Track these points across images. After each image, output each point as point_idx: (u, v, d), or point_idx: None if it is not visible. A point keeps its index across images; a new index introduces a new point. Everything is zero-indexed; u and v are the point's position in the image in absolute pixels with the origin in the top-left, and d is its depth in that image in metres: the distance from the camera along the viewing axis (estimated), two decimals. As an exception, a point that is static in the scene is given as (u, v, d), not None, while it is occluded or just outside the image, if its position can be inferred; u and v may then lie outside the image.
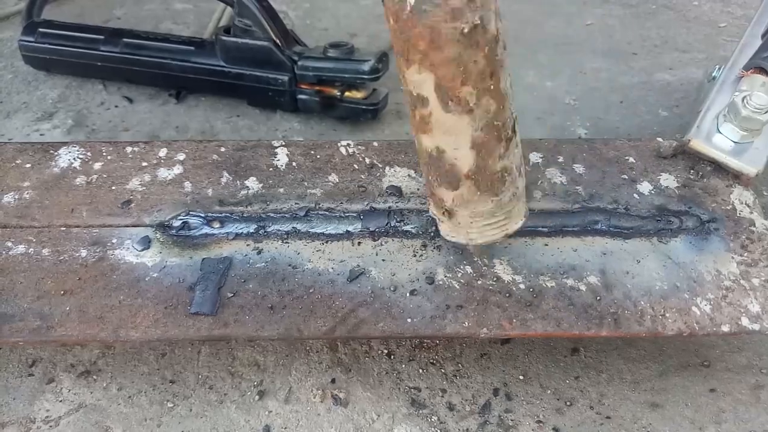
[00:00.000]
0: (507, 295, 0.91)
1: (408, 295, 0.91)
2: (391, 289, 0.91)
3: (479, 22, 0.65)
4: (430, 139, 0.77)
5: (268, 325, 0.88)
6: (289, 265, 0.93)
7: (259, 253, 0.95)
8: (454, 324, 0.88)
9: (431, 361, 1.04)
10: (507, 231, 0.86)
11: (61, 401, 0.98)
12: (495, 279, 0.92)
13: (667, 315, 0.89)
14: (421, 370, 1.03)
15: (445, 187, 0.81)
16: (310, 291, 0.91)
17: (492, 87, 0.71)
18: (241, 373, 1.02)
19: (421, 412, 0.97)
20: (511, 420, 0.97)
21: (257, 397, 0.99)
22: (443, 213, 0.85)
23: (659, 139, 1.08)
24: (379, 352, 1.05)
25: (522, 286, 0.92)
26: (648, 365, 1.04)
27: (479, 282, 0.92)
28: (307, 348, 1.05)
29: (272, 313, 0.89)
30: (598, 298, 0.91)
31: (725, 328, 0.88)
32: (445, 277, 0.93)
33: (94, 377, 1.01)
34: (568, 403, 0.99)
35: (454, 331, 0.88)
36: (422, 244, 0.96)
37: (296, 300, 0.90)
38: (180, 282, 0.91)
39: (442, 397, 0.99)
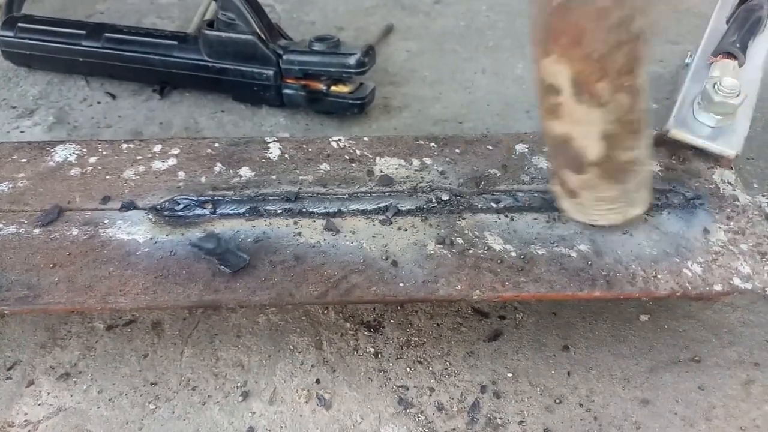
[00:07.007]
0: (499, 261, 0.91)
1: (400, 263, 0.91)
2: (383, 258, 0.92)
3: (625, 21, 0.63)
4: (559, 125, 0.76)
5: (260, 290, 0.88)
6: (281, 239, 0.94)
7: (250, 229, 0.95)
8: (447, 287, 0.88)
9: (419, 359, 1.02)
10: (628, 216, 0.88)
11: (40, 404, 0.96)
12: (486, 248, 0.93)
13: (659, 276, 0.90)
14: (408, 369, 1.01)
15: (570, 171, 0.81)
16: (302, 261, 0.91)
17: (628, 84, 0.70)
18: (224, 374, 1.00)
19: (408, 411, 0.96)
20: (500, 419, 0.95)
21: (241, 398, 0.97)
22: (566, 193, 0.86)
23: None
24: (366, 350, 1.03)
25: (513, 254, 0.92)
26: (638, 361, 1.02)
27: (471, 251, 0.93)
28: (292, 347, 1.03)
29: (264, 280, 0.89)
30: (590, 263, 0.91)
31: (717, 288, 0.89)
32: (437, 247, 0.93)
33: (75, 380, 0.99)
34: (557, 401, 0.97)
35: (446, 294, 0.88)
36: (413, 220, 0.97)
37: (288, 269, 0.90)
38: (171, 254, 0.91)
39: (430, 396, 0.98)
